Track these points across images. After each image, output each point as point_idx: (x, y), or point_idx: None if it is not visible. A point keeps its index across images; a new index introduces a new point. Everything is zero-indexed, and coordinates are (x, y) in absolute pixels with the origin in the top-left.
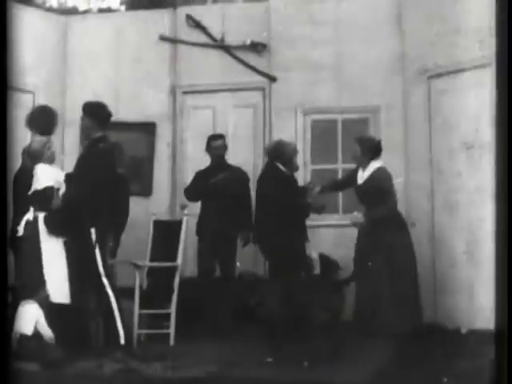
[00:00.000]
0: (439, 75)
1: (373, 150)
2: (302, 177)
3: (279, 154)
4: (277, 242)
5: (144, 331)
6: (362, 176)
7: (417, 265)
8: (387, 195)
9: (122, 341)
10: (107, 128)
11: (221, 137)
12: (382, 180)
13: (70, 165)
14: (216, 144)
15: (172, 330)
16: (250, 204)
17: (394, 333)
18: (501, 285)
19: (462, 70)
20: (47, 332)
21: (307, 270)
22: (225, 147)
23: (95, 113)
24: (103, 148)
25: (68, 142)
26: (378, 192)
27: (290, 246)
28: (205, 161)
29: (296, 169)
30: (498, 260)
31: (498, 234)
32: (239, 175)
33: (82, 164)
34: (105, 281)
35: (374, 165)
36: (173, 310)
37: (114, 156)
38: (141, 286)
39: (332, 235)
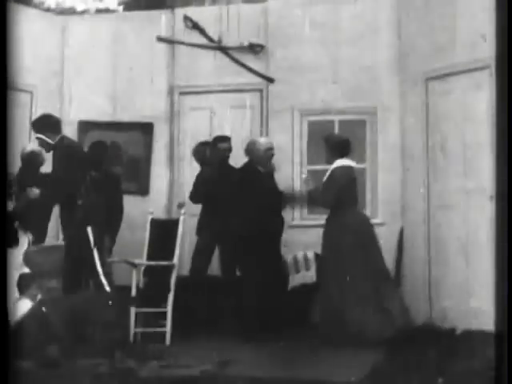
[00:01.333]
0: (437, 77)
1: (338, 148)
2: (299, 178)
3: (251, 153)
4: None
5: (140, 330)
6: (327, 174)
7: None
8: (330, 190)
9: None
10: (61, 131)
11: (227, 139)
12: (334, 176)
13: None
14: (223, 146)
15: (168, 329)
16: None
17: (362, 340)
18: (501, 285)
19: (460, 72)
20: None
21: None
22: (230, 150)
23: (46, 125)
24: (67, 144)
25: None
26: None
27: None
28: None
29: (269, 168)
30: (499, 259)
31: (497, 235)
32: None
33: (56, 166)
34: (103, 280)
35: (339, 163)
36: (169, 308)
37: (80, 149)
38: (137, 285)
39: None
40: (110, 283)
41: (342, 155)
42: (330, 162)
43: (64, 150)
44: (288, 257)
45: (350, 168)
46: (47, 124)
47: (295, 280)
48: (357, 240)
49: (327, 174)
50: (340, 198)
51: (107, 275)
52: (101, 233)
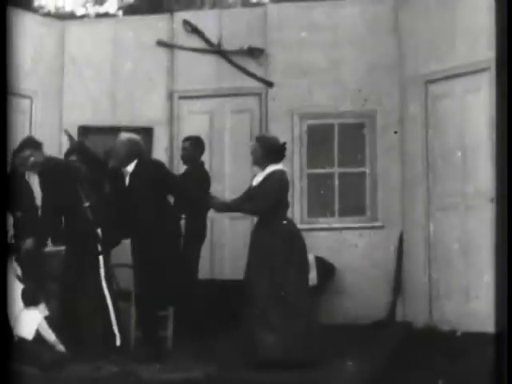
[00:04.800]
0: (436, 80)
1: (274, 152)
2: (298, 181)
3: None
4: None
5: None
6: (258, 178)
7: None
8: (264, 194)
9: (118, 342)
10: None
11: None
12: (268, 182)
13: None
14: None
15: (170, 333)
16: None
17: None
18: (501, 287)
19: (460, 75)
20: (50, 336)
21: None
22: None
23: (28, 145)
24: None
25: (65, 146)
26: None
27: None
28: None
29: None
30: (498, 261)
31: (497, 236)
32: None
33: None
34: (103, 283)
35: (273, 167)
36: (170, 312)
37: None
38: None
39: (328, 238)
40: (111, 286)
41: (278, 160)
42: (264, 166)
43: (54, 171)
44: None
45: (285, 172)
46: (29, 144)
47: None
48: (286, 251)
49: (259, 178)
50: (274, 204)
51: (109, 278)
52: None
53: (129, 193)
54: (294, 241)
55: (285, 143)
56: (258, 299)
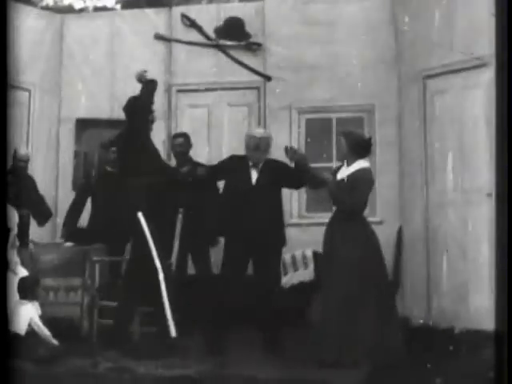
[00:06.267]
0: (435, 75)
1: (360, 147)
2: None
3: None
4: None
5: (137, 328)
6: (344, 172)
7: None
8: (357, 193)
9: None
10: None
11: (182, 135)
12: (360, 180)
13: (64, 161)
14: (177, 142)
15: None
16: None
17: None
18: (501, 284)
19: (458, 71)
20: (43, 330)
21: None
22: (186, 145)
23: None
24: None
25: (63, 138)
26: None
27: None
28: (200, 158)
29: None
30: (498, 259)
31: (498, 234)
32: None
33: None
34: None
35: (360, 164)
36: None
37: None
38: None
39: None
40: None
41: (364, 155)
42: (350, 161)
43: None
44: (286, 255)
45: (371, 172)
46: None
47: (294, 278)
48: (366, 252)
49: (347, 172)
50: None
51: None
52: None
53: (257, 189)
54: (370, 238)
55: (370, 138)
56: (331, 297)
